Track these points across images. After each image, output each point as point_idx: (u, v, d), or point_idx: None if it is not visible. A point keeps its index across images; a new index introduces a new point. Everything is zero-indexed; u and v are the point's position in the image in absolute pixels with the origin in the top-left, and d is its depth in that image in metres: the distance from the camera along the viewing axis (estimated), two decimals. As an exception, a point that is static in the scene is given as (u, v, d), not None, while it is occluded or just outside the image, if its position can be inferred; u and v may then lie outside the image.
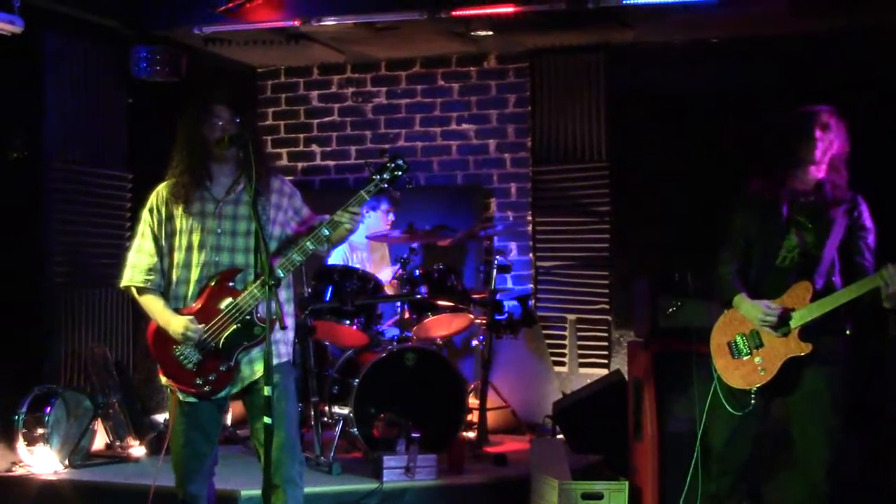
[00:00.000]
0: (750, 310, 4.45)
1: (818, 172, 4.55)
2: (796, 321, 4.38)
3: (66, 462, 6.11)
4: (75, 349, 6.73)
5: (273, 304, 3.77)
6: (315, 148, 8.67)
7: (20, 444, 6.05)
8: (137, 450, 6.47)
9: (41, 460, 6.04)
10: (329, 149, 8.64)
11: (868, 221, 4.55)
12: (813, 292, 4.39)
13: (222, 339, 4.13)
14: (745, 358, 4.47)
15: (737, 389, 4.48)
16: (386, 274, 7.20)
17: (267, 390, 3.67)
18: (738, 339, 4.50)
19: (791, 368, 4.39)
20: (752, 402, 4.45)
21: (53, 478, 5.96)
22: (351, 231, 4.22)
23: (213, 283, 4.15)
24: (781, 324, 4.38)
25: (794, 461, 4.48)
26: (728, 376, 4.50)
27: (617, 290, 7.73)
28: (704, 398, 4.65)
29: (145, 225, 4.22)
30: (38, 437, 6.05)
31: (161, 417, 6.90)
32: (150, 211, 4.23)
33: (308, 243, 4.13)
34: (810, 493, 4.37)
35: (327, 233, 4.14)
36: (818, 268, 4.43)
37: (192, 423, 4.21)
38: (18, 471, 6.04)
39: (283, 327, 3.93)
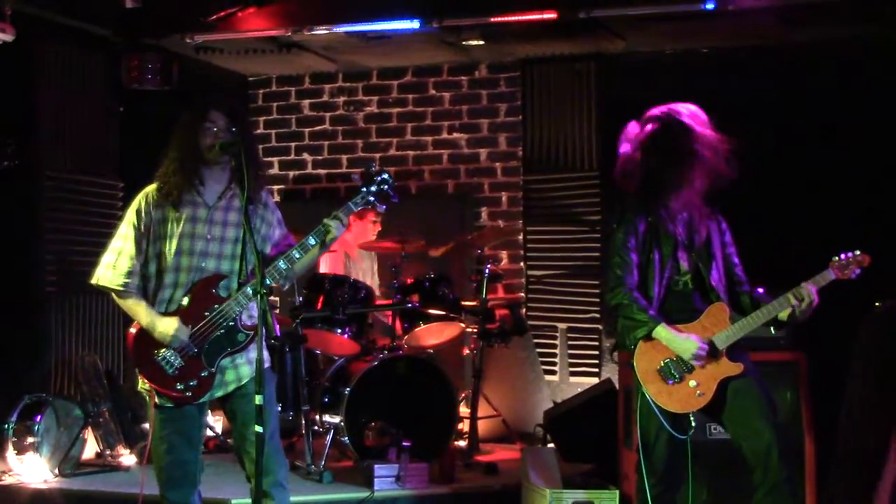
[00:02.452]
0: (679, 344, 4.39)
1: (691, 192, 4.56)
2: (722, 343, 4.40)
3: (56, 471, 6.08)
4: (66, 358, 6.73)
5: (265, 314, 3.76)
6: (306, 156, 8.68)
7: (10, 452, 6.03)
8: (127, 458, 6.45)
9: (31, 469, 6.02)
10: (320, 157, 8.65)
11: (730, 236, 4.63)
12: (730, 312, 4.45)
13: (205, 345, 4.13)
14: (679, 383, 4.46)
15: (675, 414, 4.47)
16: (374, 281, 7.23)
17: (258, 399, 3.67)
18: (668, 364, 4.41)
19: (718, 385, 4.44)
20: (693, 424, 4.48)
21: (43, 486, 5.94)
22: (333, 238, 4.22)
23: (196, 290, 4.15)
24: (711, 353, 4.40)
25: (745, 465, 4.47)
26: (664, 401, 4.45)
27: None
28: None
29: (129, 227, 4.18)
30: (28, 446, 6.03)
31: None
32: (138, 213, 4.19)
33: (294, 252, 4.16)
34: (771, 487, 4.37)
35: (314, 242, 4.18)
36: (713, 288, 4.51)
37: (174, 429, 4.18)
38: (8, 480, 6.02)
39: (274, 337, 3.93)
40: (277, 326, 3.91)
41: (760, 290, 4.57)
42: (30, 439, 6.03)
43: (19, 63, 6.44)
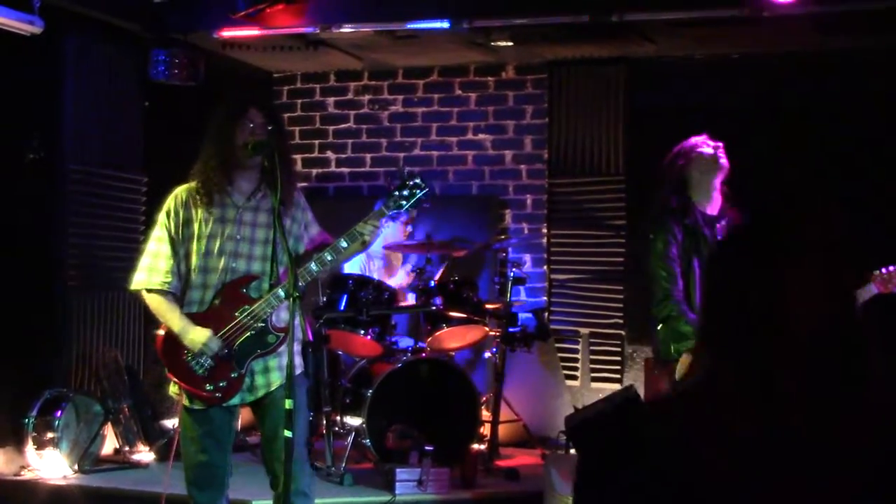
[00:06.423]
0: None
1: (719, 197, 4.66)
2: None
3: (76, 467, 6.06)
4: (87, 353, 6.68)
5: (297, 318, 3.72)
6: (330, 154, 8.63)
7: (29, 447, 6.00)
8: (146, 456, 6.42)
9: (50, 465, 5.99)
10: (344, 156, 8.59)
11: None
12: None
13: (235, 346, 4.09)
14: None
15: None
16: (399, 277, 7.17)
17: (289, 403, 3.62)
18: None
19: None
20: None
21: (62, 483, 5.92)
22: (368, 244, 4.22)
23: (227, 290, 4.11)
24: None
25: None
26: None
27: (631, 304, 7.66)
28: None
29: (162, 228, 4.16)
30: (48, 441, 6.01)
31: (170, 423, 6.84)
32: (168, 214, 4.16)
33: (327, 254, 4.12)
34: None
35: (346, 244, 4.13)
36: None
37: (205, 431, 4.15)
38: (27, 475, 6.00)
39: (308, 340, 3.87)
40: (310, 331, 3.84)
41: None
42: (49, 434, 6.01)
43: (47, 55, 6.40)
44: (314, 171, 8.64)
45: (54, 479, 5.94)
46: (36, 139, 6.42)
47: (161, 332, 4.17)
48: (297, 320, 3.87)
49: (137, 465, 6.33)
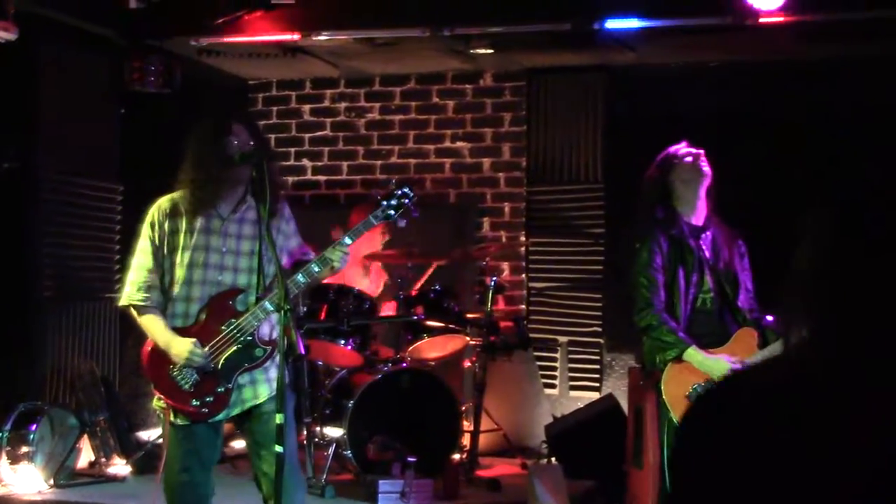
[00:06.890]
0: (710, 365, 4.38)
1: (704, 207, 4.65)
2: None
3: (51, 482, 5.95)
4: (62, 364, 6.57)
5: (290, 331, 3.65)
6: (306, 162, 8.55)
7: (3, 462, 5.90)
8: (122, 469, 6.31)
9: (25, 479, 5.89)
10: (320, 163, 8.52)
11: (748, 261, 4.66)
12: (759, 338, 4.45)
13: (221, 360, 4.02)
14: None
15: None
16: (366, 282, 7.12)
17: (279, 418, 3.56)
18: (697, 389, 4.41)
19: None
20: None
21: (37, 498, 5.82)
22: (336, 269, 4.14)
23: (214, 303, 4.04)
24: None
25: None
26: None
27: (610, 312, 7.64)
28: None
29: (146, 240, 4.08)
30: (22, 456, 5.90)
31: (146, 435, 6.76)
32: (152, 225, 4.08)
33: (314, 266, 4.05)
34: None
35: (331, 256, 4.06)
36: (741, 309, 4.52)
37: (189, 449, 4.06)
38: (0, 490, 5.87)
39: (298, 353, 3.79)
40: (301, 344, 3.76)
41: (769, 318, 4.52)
42: (24, 449, 5.91)
43: (21, 62, 6.29)
44: (290, 179, 8.54)
45: (29, 495, 5.83)
46: (10, 148, 6.33)
47: (148, 346, 4.08)
48: (296, 332, 3.80)
49: (114, 479, 6.22)
